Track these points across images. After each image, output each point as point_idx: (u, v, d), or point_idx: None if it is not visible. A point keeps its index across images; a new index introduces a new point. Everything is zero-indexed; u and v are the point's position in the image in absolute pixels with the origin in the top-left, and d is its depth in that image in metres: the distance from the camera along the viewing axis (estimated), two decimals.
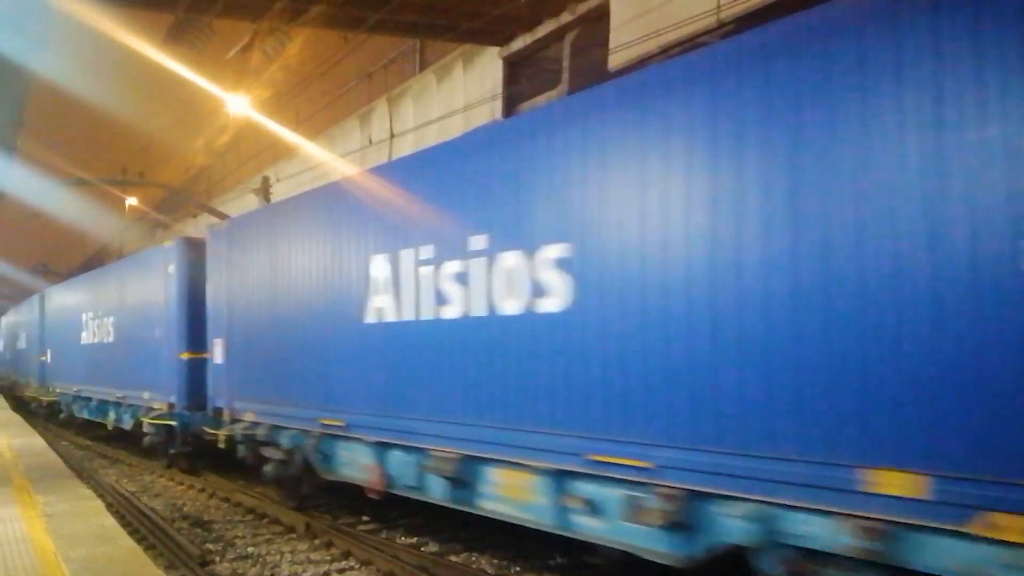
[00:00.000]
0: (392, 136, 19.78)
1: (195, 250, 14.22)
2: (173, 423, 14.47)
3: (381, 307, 8.82)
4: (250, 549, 9.63)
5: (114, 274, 19.17)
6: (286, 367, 10.78)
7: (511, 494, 7.33)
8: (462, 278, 7.69)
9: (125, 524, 10.09)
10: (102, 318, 18.92)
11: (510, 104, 15.39)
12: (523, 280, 7.01)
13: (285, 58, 15.81)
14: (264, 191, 22.81)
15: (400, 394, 8.58)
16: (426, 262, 8.17)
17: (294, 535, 10.31)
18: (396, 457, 8.70)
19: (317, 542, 9.84)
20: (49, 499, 9.82)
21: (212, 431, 12.81)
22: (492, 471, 7.51)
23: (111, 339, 18.15)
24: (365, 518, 10.91)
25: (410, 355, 8.40)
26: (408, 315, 8.42)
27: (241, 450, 11.99)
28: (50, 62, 12.87)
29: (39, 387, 26.09)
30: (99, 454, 19.15)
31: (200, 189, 35.35)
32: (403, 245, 8.51)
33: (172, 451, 15.03)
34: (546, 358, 6.82)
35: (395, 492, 8.80)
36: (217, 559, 9.15)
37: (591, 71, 12.44)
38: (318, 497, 11.32)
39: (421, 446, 8.21)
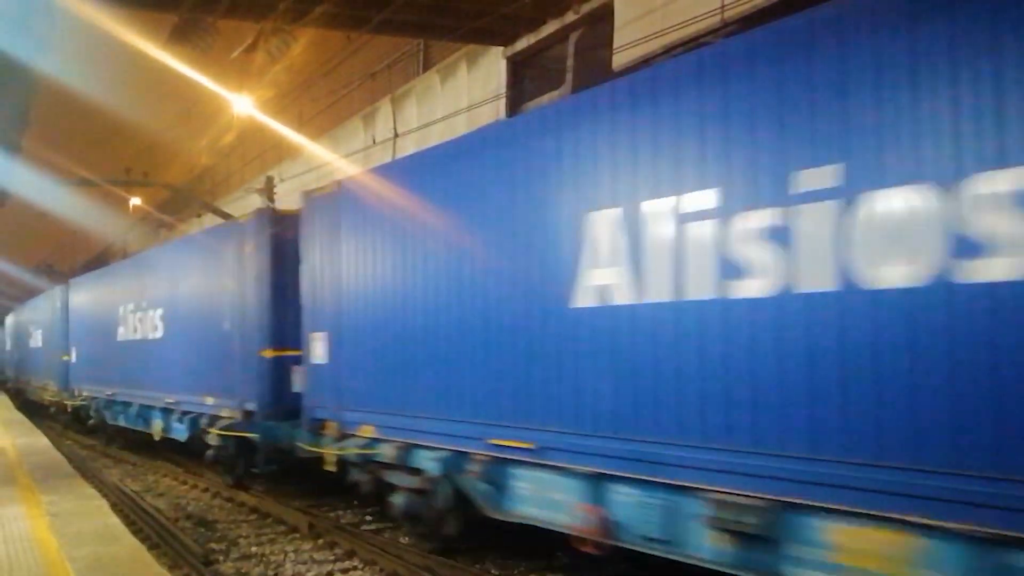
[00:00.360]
0: (396, 136, 19.78)
1: (280, 224, 11.76)
2: (253, 436, 11.75)
3: (605, 284, 6.44)
4: (254, 549, 9.65)
5: (164, 258, 16.17)
6: (430, 368, 8.39)
7: (871, 565, 4.89)
8: (778, 236, 5.29)
9: (129, 523, 10.12)
10: (146, 311, 16.22)
11: (514, 104, 15.38)
12: (929, 231, 4.60)
13: (289, 58, 15.81)
14: (268, 191, 22.81)
15: (644, 408, 6.15)
16: (699, 216, 5.78)
17: (298, 535, 10.32)
18: (628, 496, 6.36)
19: (321, 542, 9.85)
20: (53, 498, 9.84)
21: (311, 448, 10.32)
22: (827, 528, 5.08)
23: (159, 335, 15.49)
24: (369, 518, 10.91)
25: (663, 352, 6.00)
26: (658, 294, 6.01)
27: (356, 474, 9.57)
28: (54, 62, 12.89)
29: (60, 390, 23.27)
30: (103, 453, 19.19)
31: (204, 189, 35.38)
32: (651, 194, 6.10)
33: (256, 470, 12.20)
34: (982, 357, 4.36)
35: (623, 544, 6.44)
36: (221, 558, 9.17)
37: (595, 71, 12.43)
38: (471, 543, 8.73)
39: (683, 483, 5.88)
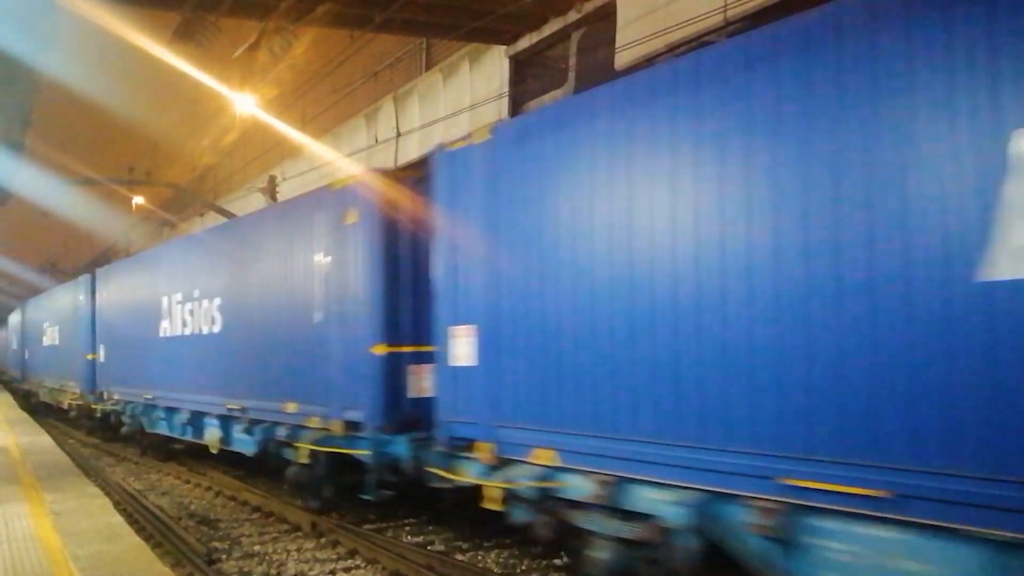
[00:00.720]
0: (399, 135, 19.80)
1: (394, 190, 9.43)
2: (362, 453, 9.35)
3: None
4: (256, 547, 9.66)
5: (224, 239, 13.54)
6: (665, 373, 5.96)
7: None
8: None
9: (132, 522, 10.13)
10: (200, 301, 13.72)
11: (516, 103, 15.39)
12: None
13: (291, 57, 15.83)
14: (270, 190, 22.89)
15: None
16: None
17: (300, 533, 10.33)
18: None
19: (323, 540, 9.86)
20: (56, 497, 9.86)
21: (451, 475, 7.98)
22: None
23: (216, 329, 13.11)
24: (371, 516, 10.91)
25: None
26: None
27: (526, 514, 7.12)
28: (57, 62, 12.90)
29: (85, 393, 20.64)
30: (106, 452, 19.20)
31: (207, 188, 35.49)
32: None
33: (367, 496, 9.49)
34: None
35: None
36: (224, 557, 9.18)
37: (597, 70, 12.44)
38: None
39: None
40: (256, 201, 24.10)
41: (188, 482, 14.63)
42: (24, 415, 24.19)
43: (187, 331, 14.26)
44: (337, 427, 9.72)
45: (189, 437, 14.50)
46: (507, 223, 7.45)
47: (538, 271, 7.09)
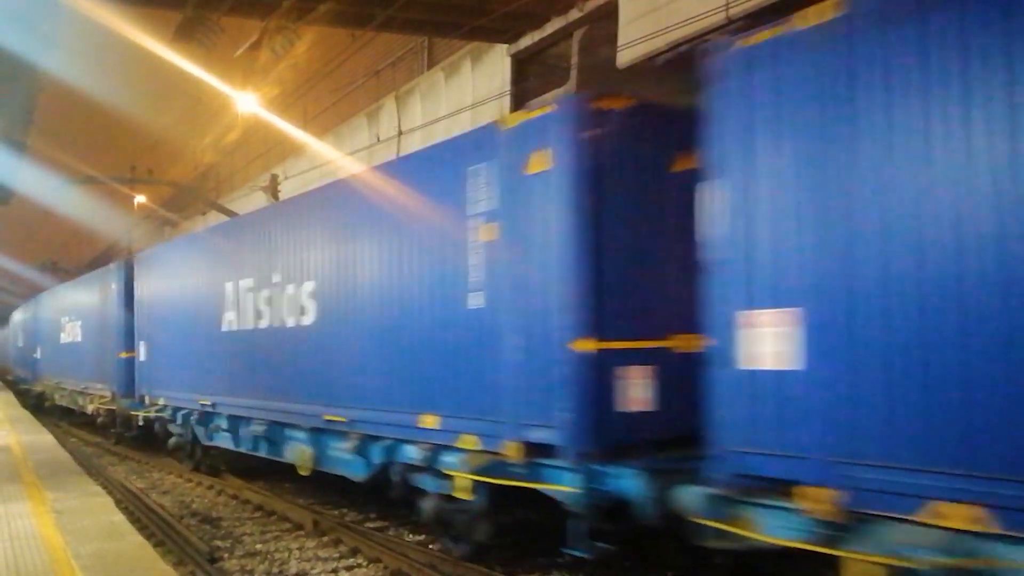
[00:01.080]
0: (400, 134, 19.80)
1: (602, 122, 6.99)
2: (568, 492, 6.86)
3: None
4: (258, 546, 9.67)
5: (317, 209, 10.97)
6: None
7: None
8: None
9: (134, 520, 10.16)
10: (282, 287, 11.29)
11: (518, 102, 15.39)
12: None
13: (293, 56, 15.84)
14: (272, 189, 22.91)
15: None
16: None
17: (302, 532, 10.34)
18: None
19: (325, 539, 9.87)
20: (58, 495, 9.88)
21: (757, 536, 5.58)
22: None
23: (308, 320, 10.67)
24: (373, 515, 10.93)
25: None
26: None
27: None
28: (59, 60, 12.91)
29: (120, 397, 18.02)
30: (108, 451, 19.22)
31: (208, 187, 35.48)
32: None
33: (579, 553, 6.86)
34: None
35: None
36: (226, 556, 9.19)
37: (599, 68, 12.44)
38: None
39: None
40: (258, 200, 24.12)
41: (190, 481, 14.64)
42: (26, 413, 24.22)
43: (262, 324, 11.83)
44: (513, 451, 7.31)
45: (263, 453, 12.09)
46: (880, 145, 4.96)
47: (965, 219, 4.59)
